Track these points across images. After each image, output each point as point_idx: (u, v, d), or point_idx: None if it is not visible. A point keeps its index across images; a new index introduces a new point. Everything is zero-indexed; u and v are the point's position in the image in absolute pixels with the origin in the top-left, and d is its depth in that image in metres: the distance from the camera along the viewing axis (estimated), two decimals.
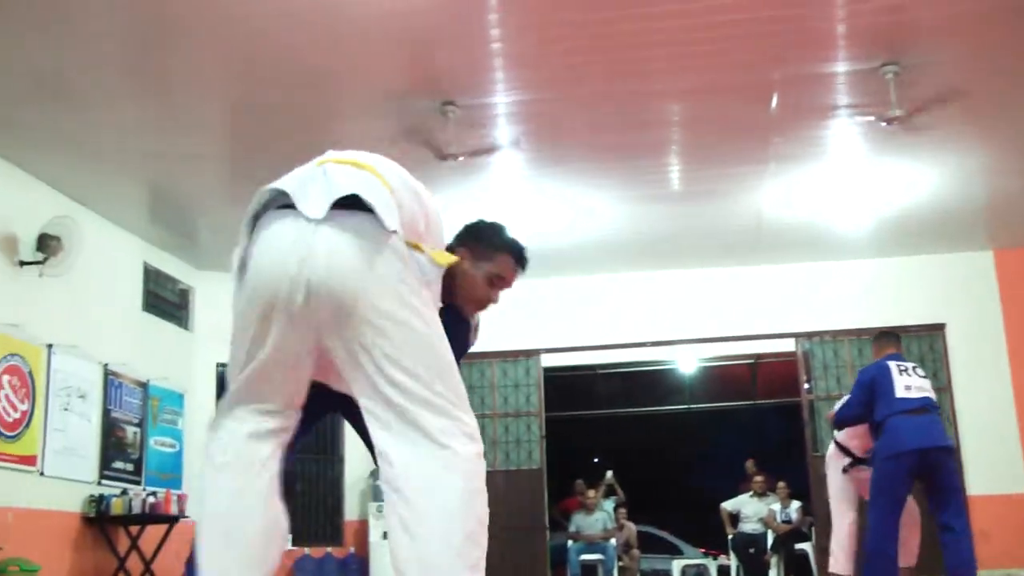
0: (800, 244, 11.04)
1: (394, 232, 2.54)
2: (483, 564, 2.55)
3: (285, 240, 2.55)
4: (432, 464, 2.51)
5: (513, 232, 3.56)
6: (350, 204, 2.55)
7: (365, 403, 2.59)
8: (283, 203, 2.61)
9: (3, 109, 7.57)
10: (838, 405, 7.91)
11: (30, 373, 8.42)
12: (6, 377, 8.12)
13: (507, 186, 9.19)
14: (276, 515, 2.73)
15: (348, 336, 2.54)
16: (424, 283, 2.63)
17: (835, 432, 8.13)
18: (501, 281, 3.48)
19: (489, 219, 3.60)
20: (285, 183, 2.63)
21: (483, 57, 7.02)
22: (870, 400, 7.13)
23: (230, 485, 2.65)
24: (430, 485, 2.50)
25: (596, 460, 19.99)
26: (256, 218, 2.67)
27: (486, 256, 3.43)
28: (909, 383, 7.09)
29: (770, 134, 8.27)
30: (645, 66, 7.20)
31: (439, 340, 2.62)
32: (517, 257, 3.50)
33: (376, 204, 2.54)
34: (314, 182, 2.60)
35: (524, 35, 6.77)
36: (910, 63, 7.07)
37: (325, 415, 3.68)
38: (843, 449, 8.09)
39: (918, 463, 6.88)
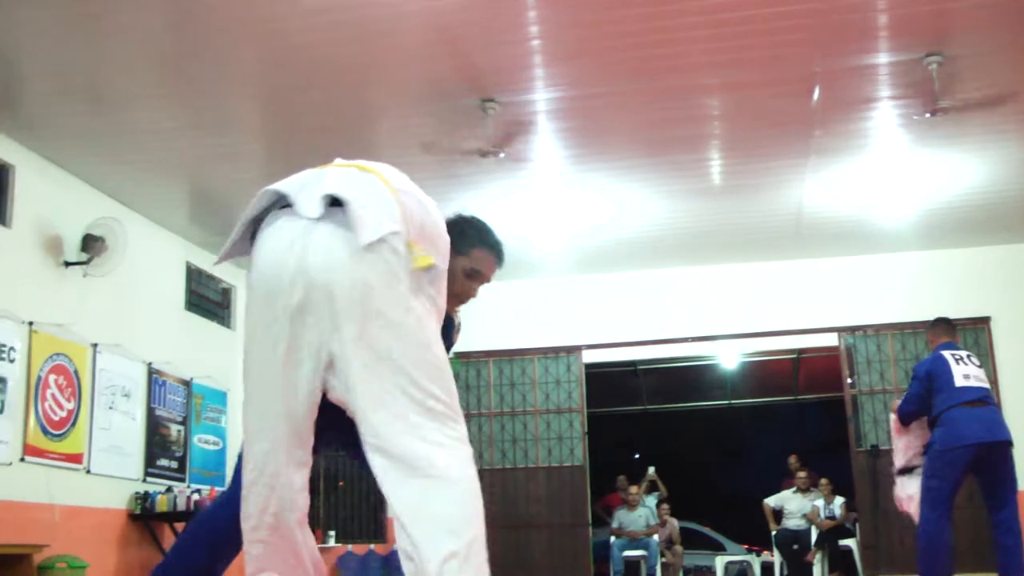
0: (842, 237, 10.95)
1: (395, 233, 2.54)
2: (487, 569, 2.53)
3: (283, 239, 2.58)
4: (431, 476, 2.49)
5: (489, 226, 3.60)
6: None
7: (363, 414, 2.55)
8: (283, 204, 2.66)
9: (46, 112, 7.66)
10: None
11: (76, 372, 8.51)
12: (52, 376, 8.21)
13: (548, 182, 9.17)
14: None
15: (345, 335, 2.52)
16: (421, 284, 2.61)
17: (897, 475, 7.66)
18: (478, 275, 3.53)
19: (467, 214, 3.63)
20: (285, 185, 2.67)
21: (523, 54, 7.01)
22: (928, 392, 6.98)
23: None
24: (430, 496, 2.47)
25: (637, 456, 19.95)
26: (258, 221, 2.71)
27: (463, 251, 3.45)
28: (967, 372, 6.91)
29: (811, 127, 8.21)
30: (685, 60, 7.16)
31: (435, 341, 2.61)
32: (494, 251, 3.55)
33: (361, 212, 2.53)
34: (312, 184, 2.64)
35: (563, 32, 6.75)
36: (954, 53, 6.99)
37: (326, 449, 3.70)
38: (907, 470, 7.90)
39: (977, 457, 6.70)
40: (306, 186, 2.63)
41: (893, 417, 7.54)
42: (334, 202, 2.57)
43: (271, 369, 2.63)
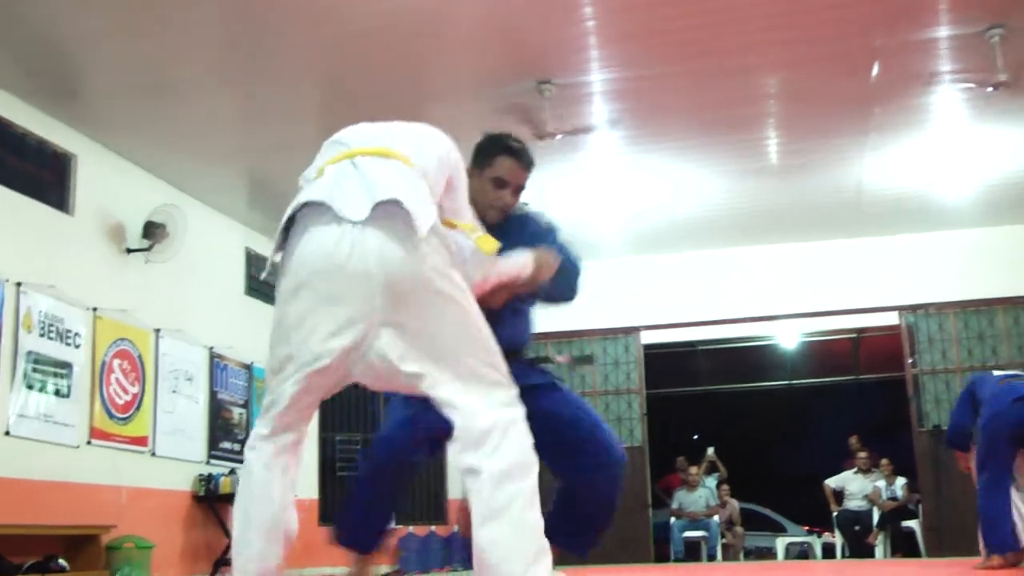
0: (902, 215, 10.82)
1: (431, 228, 2.56)
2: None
3: (327, 240, 2.57)
4: (494, 431, 2.55)
5: (511, 135, 3.79)
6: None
7: (429, 389, 2.61)
8: (317, 202, 2.63)
9: (110, 103, 7.77)
10: None
11: (139, 357, 8.64)
12: (116, 361, 8.35)
13: (605, 164, 9.16)
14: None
15: (399, 320, 2.55)
16: (461, 262, 2.72)
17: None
18: (503, 181, 3.67)
19: (493, 131, 3.83)
20: (320, 191, 2.63)
21: (578, 36, 6.99)
22: (972, 399, 6.96)
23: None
24: (495, 443, 2.53)
25: (696, 437, 19.87)
26: (288, 224, 2.71)
27: (487, 164, 3.68)
28: (1009, 371, 6.98)
29: (871, 104, 8.11)
30: (742, 40, 7.10)
31: (480, 316, 2.68)
32: (511, 153, 3.69)
33: (414, 207, 2.54)
34: (348, 179, 2.63)
35: (618, 12, 6.73)
36: (1017, 25, 6.86)
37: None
38: None
39: (1019, 419, 6.62)
40: (339, 185, 2.62)
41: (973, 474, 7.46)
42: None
43: (314, 366, 2.62)
